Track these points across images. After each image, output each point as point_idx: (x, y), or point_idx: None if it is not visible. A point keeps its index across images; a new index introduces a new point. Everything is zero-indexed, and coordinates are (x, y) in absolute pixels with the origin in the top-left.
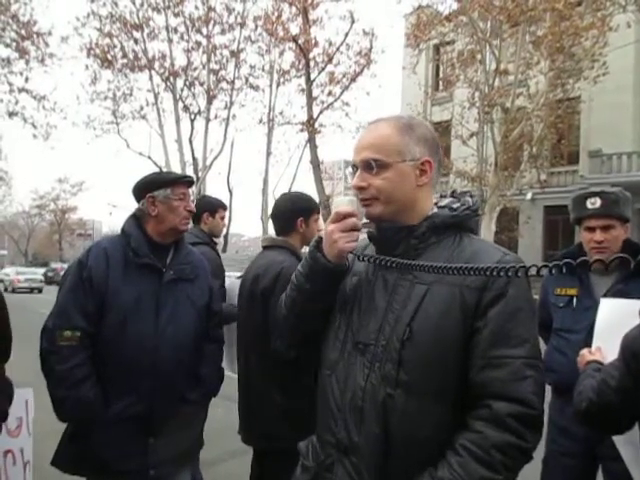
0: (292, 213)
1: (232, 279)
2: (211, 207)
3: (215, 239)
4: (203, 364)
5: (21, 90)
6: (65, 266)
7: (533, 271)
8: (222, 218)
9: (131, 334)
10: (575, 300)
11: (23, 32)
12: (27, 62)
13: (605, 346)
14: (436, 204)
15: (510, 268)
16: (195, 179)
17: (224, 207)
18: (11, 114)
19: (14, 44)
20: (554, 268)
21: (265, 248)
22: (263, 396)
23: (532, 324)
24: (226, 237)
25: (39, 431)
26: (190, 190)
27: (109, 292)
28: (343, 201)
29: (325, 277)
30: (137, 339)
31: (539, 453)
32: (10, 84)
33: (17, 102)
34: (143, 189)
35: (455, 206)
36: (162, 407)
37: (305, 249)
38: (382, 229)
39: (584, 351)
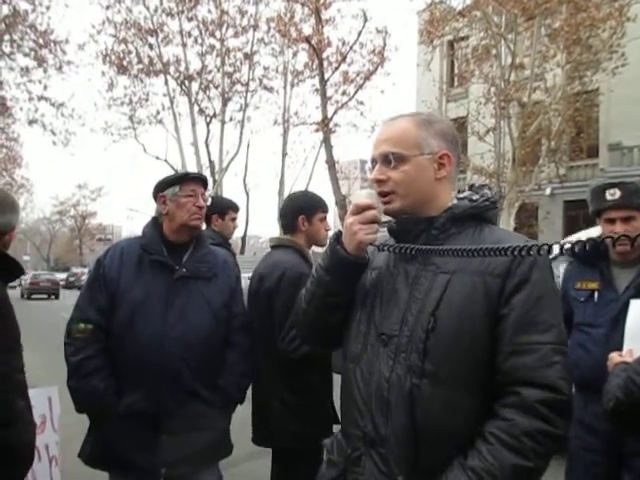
0: (292, 211)
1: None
2: (220, 209)
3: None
4: (223, 374)
5: (40, 98)
6: (85, 271)
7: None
8: (233, 220)
9: (139, 330)
10: (596, 294)
11: (41, 41)
12: (45, 70)
13: (637, 348)
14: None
15: (533, 246)
16: (212, 182)
17: (235, 208)
18: (31, 122)
19: (32, 53)
20: (577, 246)
21: (273, 248)
22: (270, 394)
23: (557, 309)
24: (244, 239)
25: (73, 431)
26: (202, 187)
27: (120, 288)
28: (362, 194)
29: (345, 270)
30: (144, 335)
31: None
32: (29, 92)
33: (36, 110)
34: (156, 190)
35: (475, 197)
36: (169, 404)
37: (314, 248)
38: (401, 221)
39: (614, 354)
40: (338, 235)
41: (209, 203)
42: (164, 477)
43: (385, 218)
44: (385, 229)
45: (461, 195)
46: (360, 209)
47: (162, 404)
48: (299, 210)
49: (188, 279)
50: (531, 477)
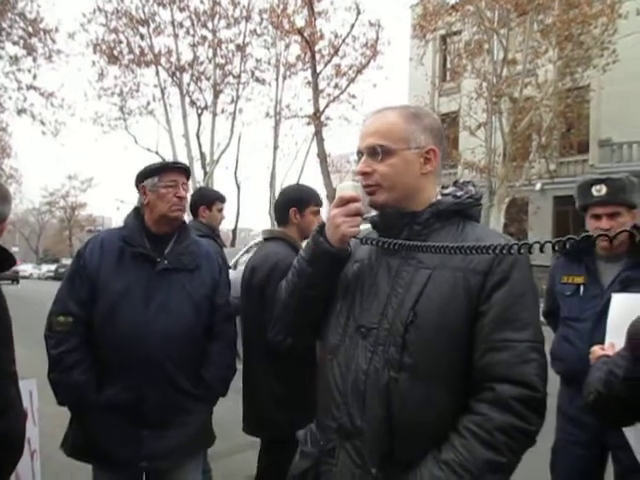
0: (285, 204)
1: (237, 272)
2: (207, 200)
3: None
4: (206, 366)
5: (29, 87)
6: None
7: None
8: (220, 210)
9: (120, 322)
10: (582, 288)
11: (30, 29)
12: (34, 59)
13: (618, 342)
14: (440, 193)
15: (513, 245)
16: (203, 174)
17: (221, 199)
18: (20, 111)
19: (22, 41)
20: (557, 244)
21: (265, 240)
22: (260, 385)
23: (535, 308)
24: (234, 232)
25: (53, 422)
26: (183, 177)
27: (101, 280)
28: (347, 186)
29: (327, 262)
30: (125, 327)
31: (547, 442)
32: (18, 81)
33: (25, 99)
34: (137, 180)
35: (459, 194)
36: (153, 397)
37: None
38: (385, 215)
39: (595, 347)
40: (322, 227)
41: (191, 193)
42: (146, 470)
43: (373, 212)
44: (368, 224)
45: (446, 191)
46: (344, 201)
47: (144, 397)
48: (291, 203)
49: (170, 271)
50: (503, 472)
